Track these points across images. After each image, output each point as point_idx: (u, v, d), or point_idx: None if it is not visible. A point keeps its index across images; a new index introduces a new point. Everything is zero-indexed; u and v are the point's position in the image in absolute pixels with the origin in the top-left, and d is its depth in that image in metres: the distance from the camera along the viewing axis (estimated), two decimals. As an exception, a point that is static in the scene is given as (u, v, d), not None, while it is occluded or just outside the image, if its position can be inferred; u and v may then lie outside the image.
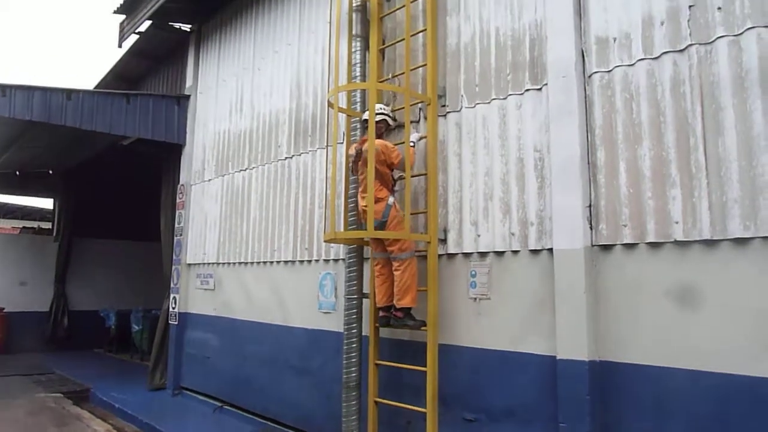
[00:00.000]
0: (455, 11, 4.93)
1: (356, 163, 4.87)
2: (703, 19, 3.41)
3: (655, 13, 3.63)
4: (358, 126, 5.26)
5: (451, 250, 4.66)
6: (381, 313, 4.81)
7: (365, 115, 4.89)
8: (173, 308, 8.70)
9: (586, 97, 3.93)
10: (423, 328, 4.53)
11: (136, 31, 9.57)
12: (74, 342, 12.93)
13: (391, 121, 5.00)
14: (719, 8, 3.34)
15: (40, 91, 7.57)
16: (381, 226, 4.52)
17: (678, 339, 3.32)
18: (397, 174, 4.99)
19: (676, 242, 3.39)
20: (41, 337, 12.84)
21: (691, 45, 3.44)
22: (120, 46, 10.01)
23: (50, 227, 14.79)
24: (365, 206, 4.56)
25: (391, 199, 4.61)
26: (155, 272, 9.94)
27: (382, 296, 4.74)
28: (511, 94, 4.39)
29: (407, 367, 4.68)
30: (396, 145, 4.88)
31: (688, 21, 3.47)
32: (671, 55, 3.53)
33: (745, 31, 3.23)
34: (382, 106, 5.00)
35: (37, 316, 12.88)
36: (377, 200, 4.52)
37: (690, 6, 3.47)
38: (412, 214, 4.61)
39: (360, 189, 4.84)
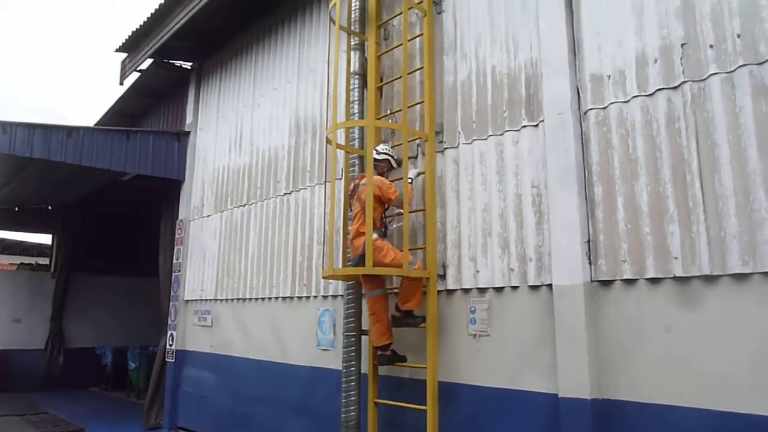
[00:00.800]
0: (452, 50, 5.01)
1: (351, 197, 4.89)
2: (695, 57, 3.46)
3: (648, 51, 3.69)
4: (357, 162, 5.29)
5: (450, 286, 4.63)
6: (379, 352, 4.76)
7: (374, 155, 4.86)
8: (170, 345, 8.59)
9: (582, 134, 3.96)
10: (421, 365, 4.47)
11: (138, 68, 9.72)
12: (70, 380, 12.72)
13: (394, 163, 5.03)
14: (711, 46, 3.40)
15: (40, 128, 7.64)
16: (362, 260, 4.47)
17: (680, 376, 3.27)
18: (396, 210, 5.00)
19: (676, 278, 3.37)
20: (36, 376, 12.64)
21: (684, 82, 3.48)
22: (121, 83, 10.16)
23: (48, 263, 14.73)
24: (351, 238, 4.69)
25: (374, 235, 4.55)
26: (153, 308, 9.86)
27: (376, 334, 4.69)
28: (507, 131, 4.43)
29: (407, 406, 4.59)
30: (394, 181, 4.90)
31: (681, 59, 3.52)
32: (665, 92, 3.57)
33: (737, 68, 3.28)
34: (386, 147, 5.03)
35: (32, 353, 12.70)
36: (359, 234, 4.56)
37: (682, 44, 3.53)
38: (410, 249, 4.60)
39: (350, 222, 4.86)
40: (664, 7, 3.64)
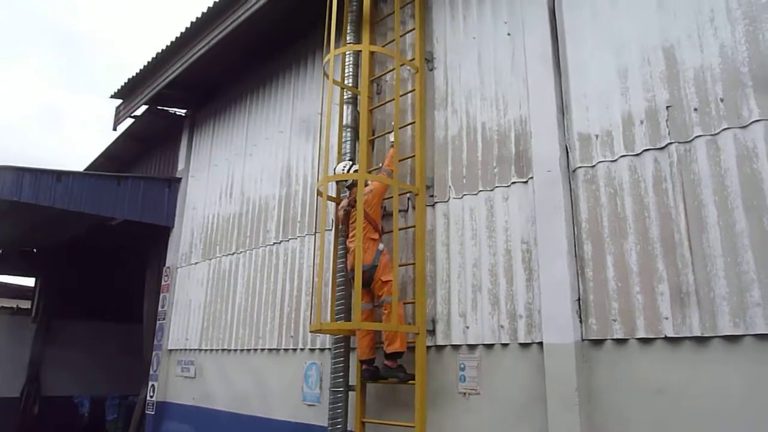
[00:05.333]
0: (443, 106, 5.09)
1: (348, 212, 4.94)
2: (680, 119, 3.53)
3: (635, 113, 3.76)
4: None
5: (440, 342, 4.56)
6: (364, 366, 4.74)
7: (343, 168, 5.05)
8: (151, 396, 8.34)
9: (571, 191, 3.99)
10: (409, 424, 4.35)
11: (132, 114, 9.80)
12: (44, 430, 12.23)
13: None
14: (695, 109, 3.47)
15: (30, 172, 7.61)
16: (372, 270, 4.55)
17: (674, 441, 3.20)
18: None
19: (667, 338, 3.34)
20: (8, 426, 12.15)
21: (670, 143, 3.54)
22: (115, 129, 10.23)
23: (29, 307, 14.38)
24: (352, 247, 4.70)
25: (381, 245, 4.64)
26: (136, 356, 9.63)
27: (364, 348, 4.70)
28: (498, 186, 4.46)
29: (394, 467, 4.45)
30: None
31: (667, 121, 3.59)
32: (652, 152, 3.62)
33: (721, 131, 3.34)
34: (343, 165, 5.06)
35: (5, 402, 12.23)
36: (369, 242, 4.59)
37: (668, 107, 3.60)
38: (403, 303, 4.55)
39: (348, 235, 4.91)
40: (649, 71, 3.74)
